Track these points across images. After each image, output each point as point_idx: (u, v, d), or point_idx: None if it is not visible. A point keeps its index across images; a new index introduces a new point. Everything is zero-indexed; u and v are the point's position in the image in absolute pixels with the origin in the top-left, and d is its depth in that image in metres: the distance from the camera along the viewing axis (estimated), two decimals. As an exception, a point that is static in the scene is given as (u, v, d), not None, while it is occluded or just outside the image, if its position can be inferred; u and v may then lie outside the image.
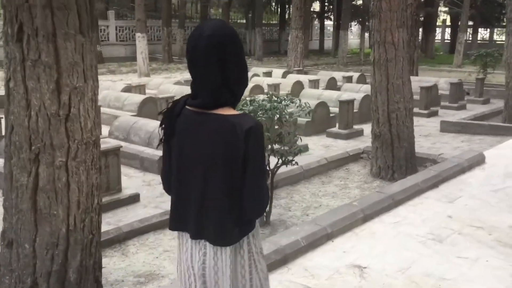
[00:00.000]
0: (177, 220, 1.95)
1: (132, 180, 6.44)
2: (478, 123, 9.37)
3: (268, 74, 16.50)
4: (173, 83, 13.65)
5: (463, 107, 12.75)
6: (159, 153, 6.99)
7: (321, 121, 9.41)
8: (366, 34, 41.93)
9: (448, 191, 5.21)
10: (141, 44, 18.96)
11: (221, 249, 1.85)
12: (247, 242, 1.91)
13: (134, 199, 5.61)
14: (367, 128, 9.35)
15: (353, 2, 30.97)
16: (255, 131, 1.76)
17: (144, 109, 9.80)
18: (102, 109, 10.34)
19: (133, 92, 12.14)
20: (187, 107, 1.87)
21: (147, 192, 5.94)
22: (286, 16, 34.42)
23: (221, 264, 1.86)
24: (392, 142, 6.20)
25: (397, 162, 6.21)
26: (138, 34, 19.01)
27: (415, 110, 11.59)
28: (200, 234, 1.88)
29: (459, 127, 9.43)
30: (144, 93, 12.32)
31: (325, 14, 37.05)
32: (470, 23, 34.05)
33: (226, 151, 1.78)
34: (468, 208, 4.72)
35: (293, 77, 15.13)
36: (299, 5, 19.60)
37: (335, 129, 9.18)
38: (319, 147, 8.30)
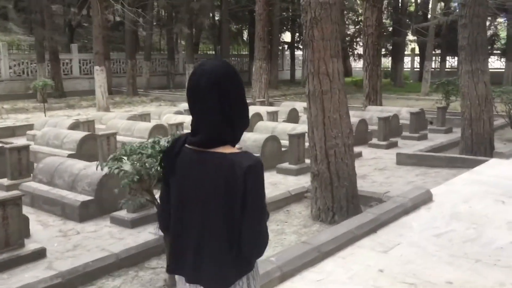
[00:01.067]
0: (175, 263, 1.91)
1: (47, 230, 5.79)
2: (434, 155, 8.96)
3: None
4: (127, 117, 13.07)
5: (424, 137, 12.41)
6: (82, 198, 6.38)
7: (271, 156, 8.90)
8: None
9: (386, 238, 4.68)
10: (99, 77, 18.39)
11: None
12: (247, 283, 1.85)
13: (38, 255, 4.96)
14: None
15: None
16: (254, 170, 1.74)
17: (84, 147, 9.18)
18: (40, 148, 9.74)
19: (81, 128, 11.53)
20: (186, 145, 1.85)
21: (58, 245, 5.30)
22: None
23: None
24: (332, 181, 5.68)
25: (338, 203, 5.68)
26: (96, 68, 18.45)
27: (374, 141, 11.24)
28: (196, 278, 1.83)
29: (415, 160, 9.00)
30: (93, 130, 11.72)
31: (295, 44, 37.09)
32: (438, 51, 34.45)
33: (225, 190, 1.75)
34: (403, 260, 4.18)
35: (252, 109, 14.65)
36: (262, 36, 19.35)
37: (286, 164, 8.66)
38: (266, 185, 7.74)
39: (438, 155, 8.91)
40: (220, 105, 1.77)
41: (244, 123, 1.87)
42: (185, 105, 17.09)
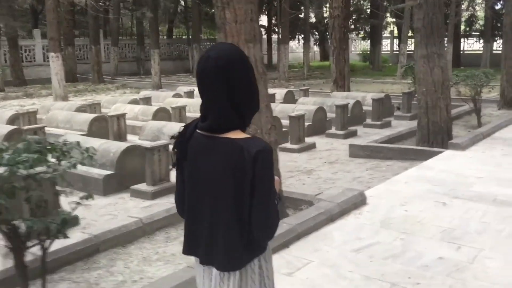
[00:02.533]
0: (189, 245, 1.94)
1: None
2: (388, 147, 8.31)
3: (191, 94, 15.28)
4: (75, 108, 12.23)
5: (387, 125, 11.78)
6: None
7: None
8: (316, 48, 41.49)
9: (298, 255, 4.01)
10: (55, 64, 17.48)
11: (229, 274, 1.82)
12: (258, 265, 1.87)
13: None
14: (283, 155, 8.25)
15: (300, 15, 30.16)
16: (263, 155, 1.75)
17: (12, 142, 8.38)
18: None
19: (21, 120, 10.77)
20: (197, 130, 1.86)
21: None
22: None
23: None
24: (251, 184, 5.00)
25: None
26: (51, 54, 17.53)
27: (331, 131, 10.57)
28: (209, 260, 1.87)
29: (368, 151, 8.36)
30: (35, 122, 10.93)
31: (272, 28, 36.18)
32: (417, 33, 33.78)
33: (234, 175, 1.77)
34: (307, 285, 3.51)
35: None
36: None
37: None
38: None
39: (392, 147, 8.27)
40: (227, 90, 1.75)
41: (253, 107, 1.86)
42: (145, 92, 16.28)
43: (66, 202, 6.36)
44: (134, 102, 13.75)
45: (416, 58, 8.42)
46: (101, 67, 23.65)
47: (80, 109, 12.37)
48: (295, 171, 7.80)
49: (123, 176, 6.85)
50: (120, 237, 4.76)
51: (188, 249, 1.94)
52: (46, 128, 10.55)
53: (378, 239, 4.27)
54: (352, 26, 35.62)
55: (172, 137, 1.93)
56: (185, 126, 1.92)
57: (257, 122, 4.92)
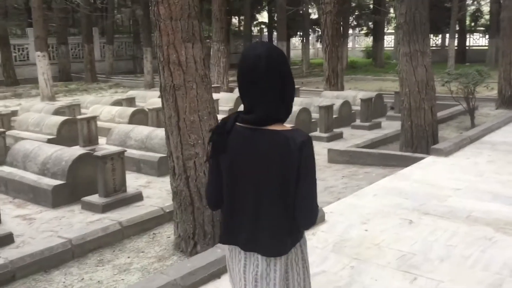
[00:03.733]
0: (228, 234, 2.01)
1: None
2: (368, 152, 7.74)
3: None
4: (53, 110, 11.77)
5: (377, 126, 11.21)
6: None
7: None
8: (318, 44, 40.71)
9: (227, 285, 3.48)
10: (41, 64, 17.07)
11: (274, 260, 1.91)
12: (300, 250, 1.99)
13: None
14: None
15: (301, 12, 29.49)
16: (307, 145, 1.85)
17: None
18: None
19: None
20: (238, 124, 1.93)
21: None
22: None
23: (273, 275, 1.91)
24: (192, 201, 4.47)
25: (200, 229, 4.47)
26: (37, 53, 17.11)
27: (315, 133, 9.98)
28: (253, 247, 1.94)
29: (347, 157, 7.80)
30: (8, 125, 10.52)
31: (274, 25, 35.52)
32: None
33: (281, 164, 1.86)
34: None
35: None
36: (219, 16, 17.96)
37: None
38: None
39: (372, 152, 7.69)
40: (280, 84, 1.89)
41: (293, 100, 1.98)
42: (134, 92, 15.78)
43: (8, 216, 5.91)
44: (117, 103, 13.28)
45: (399, 57, 7.83)
46: (94, 66, 23.21)
47: (59, 111, 11.93)
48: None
49: (76, 186, 6.35)
50: (42, 262, 4.25)
51: (227, 239, 2.01)
52: (15, 131, 10.15)
53: (325, 267, 3.72)
54: (355, 22, 35.01)
55: (211, 130, 2.00)
56: (222, 120, 1.98)
57: (198, 131, 4.40)
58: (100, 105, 12.37)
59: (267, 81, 1.86)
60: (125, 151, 6.48)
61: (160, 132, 7.88)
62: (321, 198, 5.92)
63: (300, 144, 1.83)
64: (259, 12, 34.56)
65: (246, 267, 1.95)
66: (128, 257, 4.57)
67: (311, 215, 1.88)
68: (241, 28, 32.65)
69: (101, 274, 4.25)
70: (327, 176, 7.26)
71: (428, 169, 6.44)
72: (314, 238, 4.32)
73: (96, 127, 9.38)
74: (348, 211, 4.94)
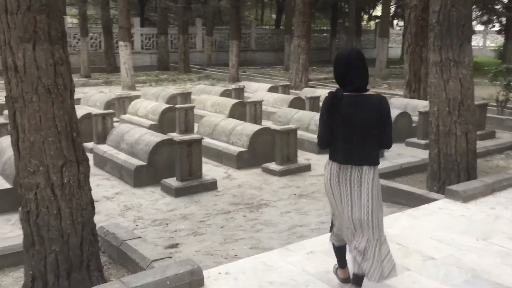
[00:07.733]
0: (344, 158, 3.20)
1: None
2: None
3: (285, 90, 14.51)
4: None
5: (439, 145, 9.27)
6: None
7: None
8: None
9: None
10: (123, 53, 17.28)
11: (372, 168, 3.21)
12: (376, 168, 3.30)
13: None
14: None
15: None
16: (387, 102, 3.22)
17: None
18: None
19: None
20: (345, 93, 3.16)
21: None
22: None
23: (372, 176, 3.19)
24: (33, 242, 3.55)
25: (40, 279, 3.55)
26: (120, 43, 17.34)
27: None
28: (362, 162, 3.19)
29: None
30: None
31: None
32: None
33: (376, 115, 3.16)
34: None
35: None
36: (303, 9, 16.73)
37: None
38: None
39: (383, 184, 6.11)
40: (366, 68, 3.21)
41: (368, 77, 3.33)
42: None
43: None
44: (227, 94, 13.60)
45: (429, 66, 6.12)
46: (188, 57, 23.21)
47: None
48: (241, 204, 6.11)
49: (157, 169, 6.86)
50: None
51: (344, 161, 3.21)
52: (126, 116, 11.10)
53: None
54: (485, 18, 31.17)
55: (330, 93, 3.18)
56: (330, 92, 3.19)
57: (40, 155, 3.46)
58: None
59: (360, 65, 3.17)
60: (202, 138, 6.82)
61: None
62: (280, 239, 4.67)
63: (385, 103, 3.19)
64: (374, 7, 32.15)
65: (352, 174, 3.18)
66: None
67: (390, 142, 3.26)
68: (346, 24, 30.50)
69: None
70: (314, 207, 5.94)
71: (423, 218, 4.81)
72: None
73: (193, 116, 9.77)
74: (245, 276, 3.65)
